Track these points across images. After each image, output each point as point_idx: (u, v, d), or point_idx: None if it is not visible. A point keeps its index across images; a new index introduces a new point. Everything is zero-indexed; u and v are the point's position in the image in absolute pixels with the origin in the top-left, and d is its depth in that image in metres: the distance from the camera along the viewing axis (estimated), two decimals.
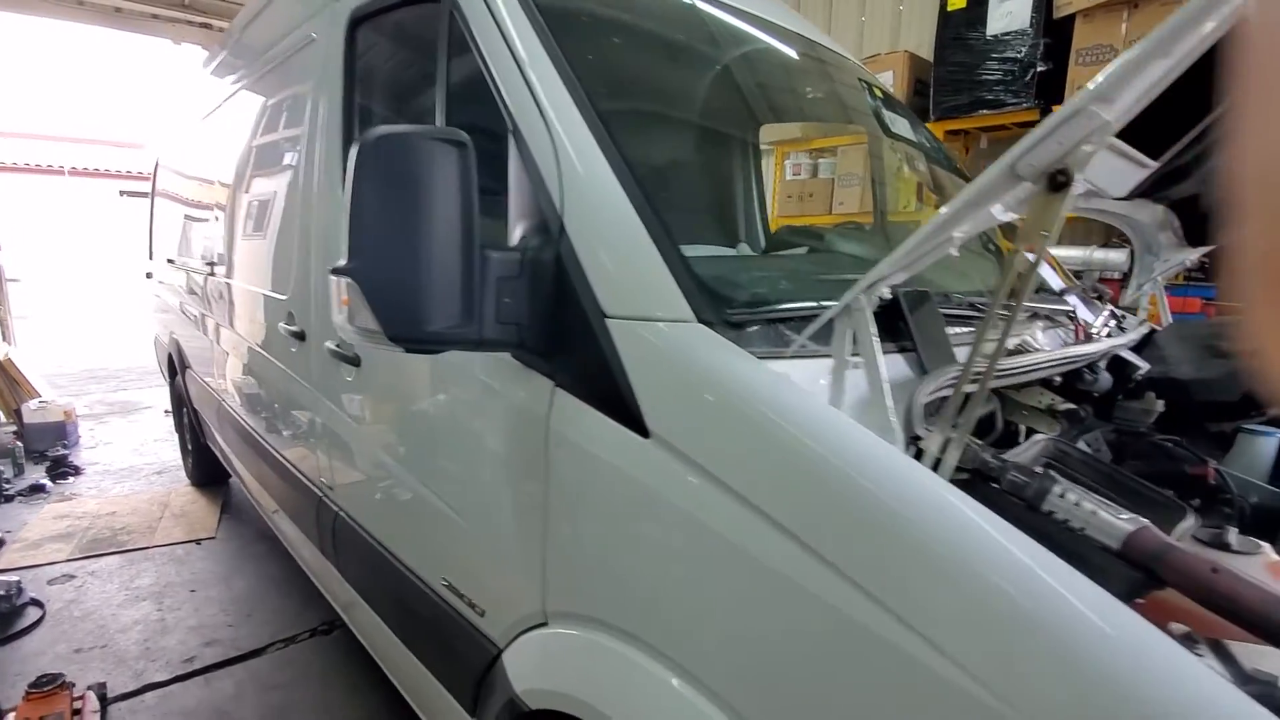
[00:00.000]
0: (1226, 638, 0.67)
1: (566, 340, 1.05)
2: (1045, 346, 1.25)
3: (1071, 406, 1.41)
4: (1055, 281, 1.66)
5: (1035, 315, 1.40)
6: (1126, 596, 0.69)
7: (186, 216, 3.76)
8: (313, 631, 2.73)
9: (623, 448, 0.97)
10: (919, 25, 4.49)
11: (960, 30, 3.91)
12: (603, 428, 1.00)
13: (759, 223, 2.28)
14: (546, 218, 1.08)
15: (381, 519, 1.71)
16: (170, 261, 4.06)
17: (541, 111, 1.13)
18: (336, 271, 0.99)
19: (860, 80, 2.16)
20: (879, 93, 2.21)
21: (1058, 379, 1.47)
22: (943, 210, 0.74)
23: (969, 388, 0.95)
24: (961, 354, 1.05)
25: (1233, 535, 0.85)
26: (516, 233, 1.12)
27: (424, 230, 0.95)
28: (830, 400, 0.84)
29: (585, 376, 1.03)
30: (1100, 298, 1.91)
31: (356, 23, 1.76)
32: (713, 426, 0.87)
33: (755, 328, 0.94)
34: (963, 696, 0.63)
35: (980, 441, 0.83)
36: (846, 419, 0.79)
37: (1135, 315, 1.91)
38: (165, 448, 5.04)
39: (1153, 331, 1.74)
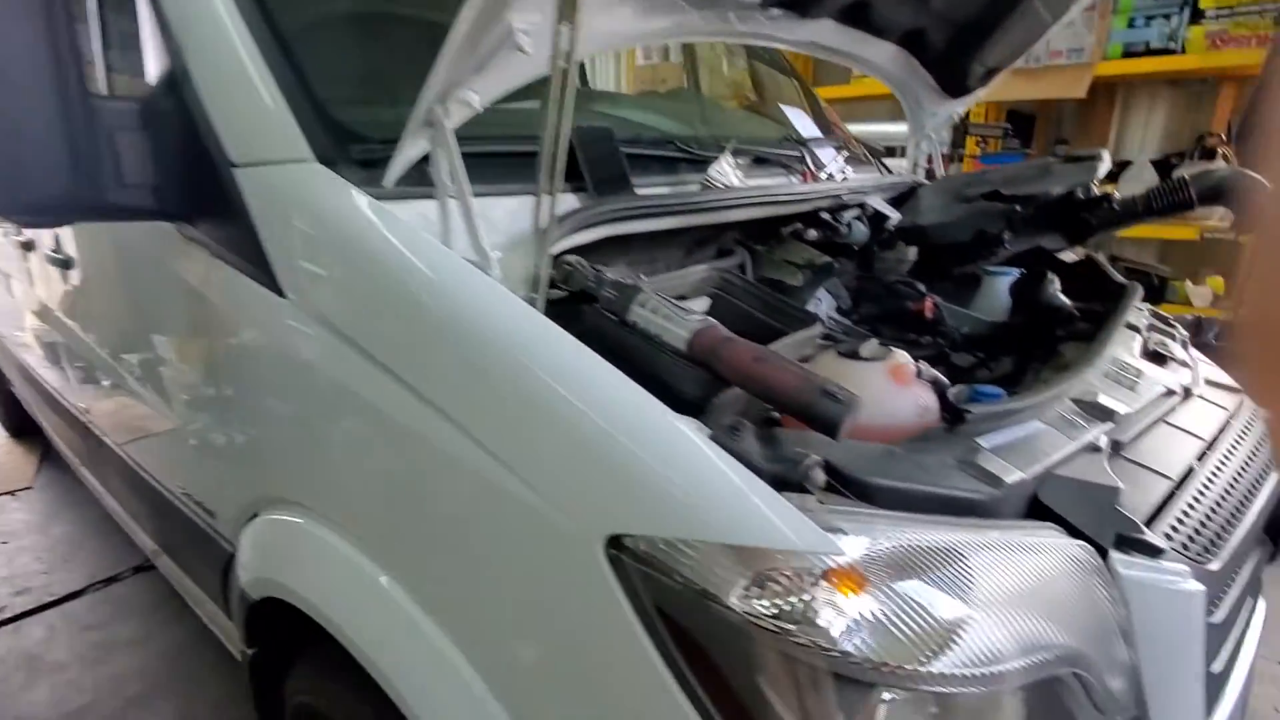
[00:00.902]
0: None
1: (206, 200, 0.93)
2: (742, 185, 1.24)
3: (828, 260, 1.44)
4: (808, 129, 1.64)
5: (761, 160, 1.38)
6: (701, 397, 0.70)
7: None
8: (137, 569, 2.60)
9: (267, 313, 0.89)
10: None
11: None
12: (251, 294, 0.91)
13: None
14: (172, 62, 0.94)
15: (127, 435, 1.58)
16: None
17: None
18: None
19: None
20: None
21: (813, 233, 1.49)
22: None
23: (615, 229, 0.92)
24: (643, 191, 1.02)
25: (867, 346, 0.87)
26: (144, 81, 0.97)
27: None
28: (442, 236, 0.78)
29: (228, 238, 0.93)
30: (876, 155, 1.93)
31: None
32: (327, 273, 0.80)
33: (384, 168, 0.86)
34: (524, 505, 0.63)
35: (586, 264, 0.80)
36: (440, 249, 0.74)
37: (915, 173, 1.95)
38: None
39: (917, 186, 1.78)
